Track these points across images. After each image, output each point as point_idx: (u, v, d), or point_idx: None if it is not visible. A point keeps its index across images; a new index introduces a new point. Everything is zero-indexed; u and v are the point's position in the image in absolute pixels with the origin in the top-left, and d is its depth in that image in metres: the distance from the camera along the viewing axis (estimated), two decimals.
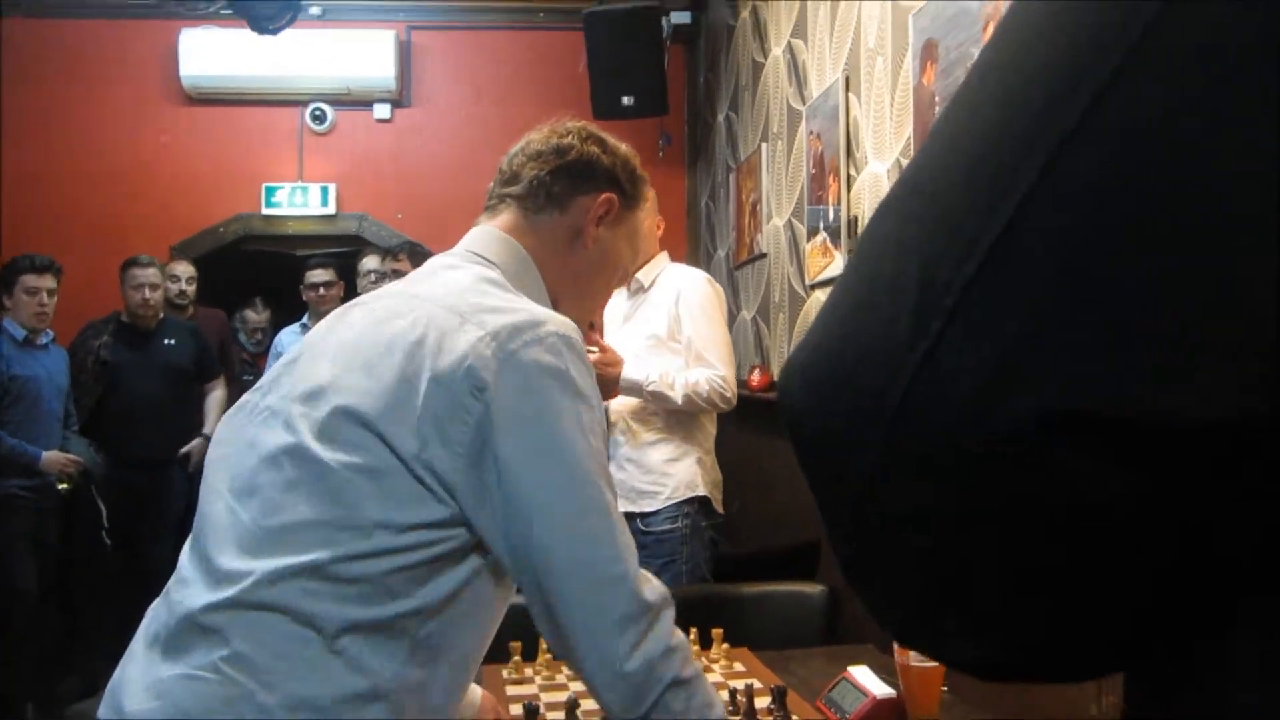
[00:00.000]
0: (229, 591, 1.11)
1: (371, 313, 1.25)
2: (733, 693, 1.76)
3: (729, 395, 2.83)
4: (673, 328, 2.86)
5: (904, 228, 0.38)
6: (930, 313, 0.35)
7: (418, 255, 4.05)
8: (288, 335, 4.76)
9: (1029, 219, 0.34)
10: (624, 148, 1.47)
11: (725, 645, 2.08)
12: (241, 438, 1.22)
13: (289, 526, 1.12)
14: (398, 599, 1.12)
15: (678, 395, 2.77)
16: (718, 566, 2.95)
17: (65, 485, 4.19)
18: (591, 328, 1.53)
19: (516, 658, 1.99)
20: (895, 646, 1.65)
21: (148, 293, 4.63)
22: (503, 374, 1.12)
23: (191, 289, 5.12)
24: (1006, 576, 0.36)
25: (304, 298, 4.87)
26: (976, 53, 2.33)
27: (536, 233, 1.38)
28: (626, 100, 4.94)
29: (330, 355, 1.21)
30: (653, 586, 1.16)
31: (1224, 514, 0.32)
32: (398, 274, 3.77)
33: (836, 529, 0.41)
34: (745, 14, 4.69)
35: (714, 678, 1.94)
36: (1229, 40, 0.31)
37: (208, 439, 4.63)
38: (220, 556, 1.14)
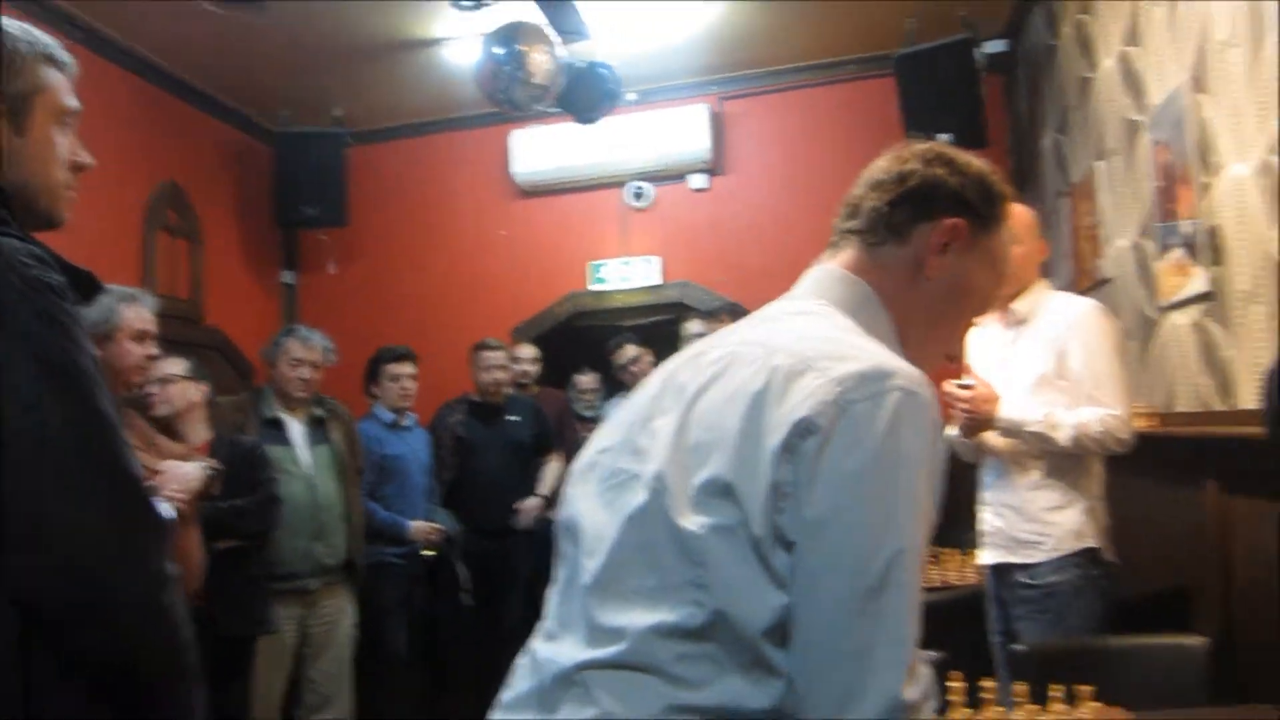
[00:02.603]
0: (607, 650, 1.09)
1: (706, 361, 1.20)
2: None
3: (1124, 437, 2.56)
4: (1060, 364, 2.62)
5: None
6: None
7: (737, 315, 4.08)
8: (614, 406, 4.94)
9: None
10: (977, 164, 1.33)
11: (1095, 704, 1.85)
12: (594, 496, 1.20)
13: (658, 588, 1.08)
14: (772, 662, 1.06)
15: (1064, 436, 2.54)
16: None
17: (431, 552, 4.52)
18: (950, 359, 1.39)
19: None
20: None
21: (497, 374, 5.00)
22: (839, 423, 1.04)
23: (535, 369, 5.46)
24: None
25: (619, 379, 5.08)
26: None
27: (879, 268, 1.27)
28: (944, 137, 4.76)
29: (666, 406, 1.18)
30: (917, 686, 1.03)
31: None
32: None
33: None
34: (1067, 30, 4.40)
35: None
36: None
37: (542, 499, 4.88)
38: (598, 613, 1.13)
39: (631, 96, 5.51)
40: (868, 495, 1.04)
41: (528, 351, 5.52)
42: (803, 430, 1.05)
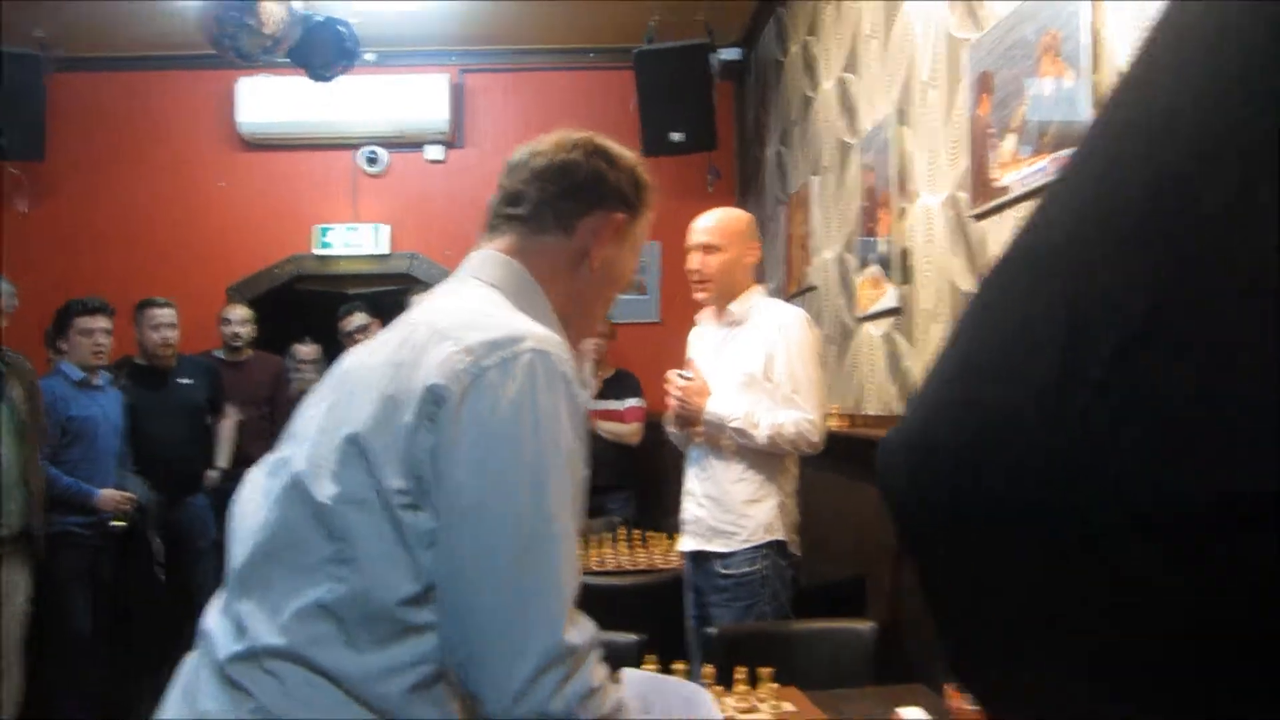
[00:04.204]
0: (245, 644, 1.11)
1: (367, 347, 1.25)
2: None
3: (815, 440, 2.73)
4: (767, 366, 2.76)
5: (1031, 298, 0.34)
6: (1071, 393, 0.31)
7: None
8: None
9: (1213, 256, 0.29)
10: (630, 156, 1.42)
11: (774, 684, 2.01)
12: (257, 488, 1.21)
13: (300, 570, 1.11)
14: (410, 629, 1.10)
15: (762, 435, 2.69)
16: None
17: (121, 523, 4.23)
18: (601, 335, 1.47)
19: None
20: (946, 688, 1.58)
21: (166, 333, 4.64)
22: (472, 389, 1.09)
23: (245, 331, 5.17)
24: (1157, 677, 0.32)
25: (346, 346, 4.92)
26: (1031, 85, 2.30)
27: (541, 254, 1.34)
28: (676, 136, 4.95)
29: (327, 393, 1.22)
30: (580, 629, 1.10)
31: None
32: None
33: (949, 618, 0.37)
34: (795, 49, 4.68)
35: (762, 717, 1.87)
36: None
37: (220, 471, 4.70)
38: (238, 604, 1.14)
39: (370, 57, 5.34)
40: (510, 455, 1.09)
41: (238, 313, 5.20)
42: (437, 397, 1.09)
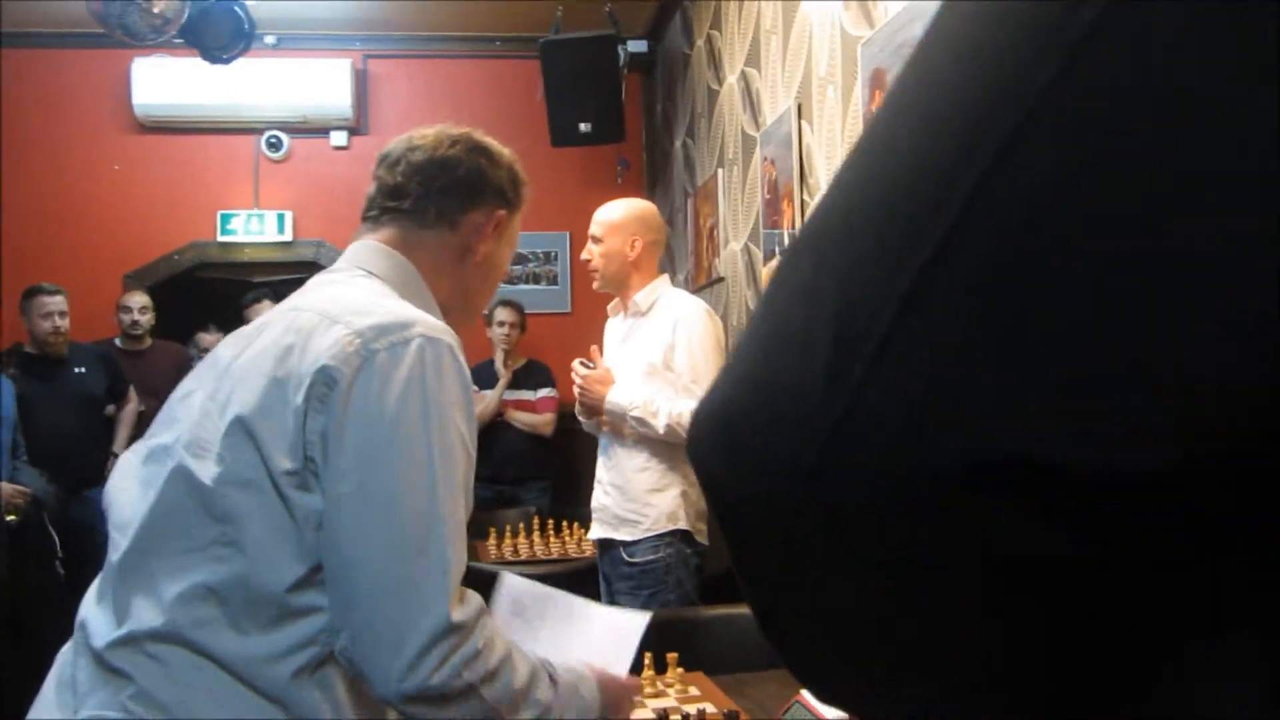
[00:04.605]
0: (125, 629, 1.11)
1: (244, 335, 1.26)
2: (685, 717, 1.76)
3: None
4: (667, 356, 2.80)
5: (815, 273, 0.36)
6: (846, 364, 0.33)
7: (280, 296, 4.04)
8: None
9: (954, 251, 0.32)
10: (508, 154, 1.46)
11: (680, 670, 2.07)
12: (132, 475, 1.21)
13: (184, 552, 1.12)
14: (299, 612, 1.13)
15: (660, 425, 2.72)
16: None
17: (13, 516, 4.11)
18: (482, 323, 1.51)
19: None
20: None
21: (58, 320, 4.52)
22: (362, 371, 1.12)
23: (145, 319, 5.05)
24: (926, 642, 0.34)
25: None
26: None
27: (424, 248, 1.37)
28: (584, 127, 4.97)
29: (205, 379, 1.23)
30: (465, 607, 1.13)
31: (1151, 579, 0.31)
32: None
33: (754, 591, 0.39)
34: (700, 42, 4.74)
35: (668, 702, 1.93)
36: (1173, 41, 0.29)
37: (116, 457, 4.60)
38: (118, 592, 1.15)
39: (270, 40, 5.25)
40: (398, 438, 1.11)
41: (136, 299, 5.08)
42: (327, 379, 1.11)
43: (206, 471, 1.12)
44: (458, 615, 1.10)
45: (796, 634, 0.39)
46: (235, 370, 1.18)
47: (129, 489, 1.20)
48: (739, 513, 0.38)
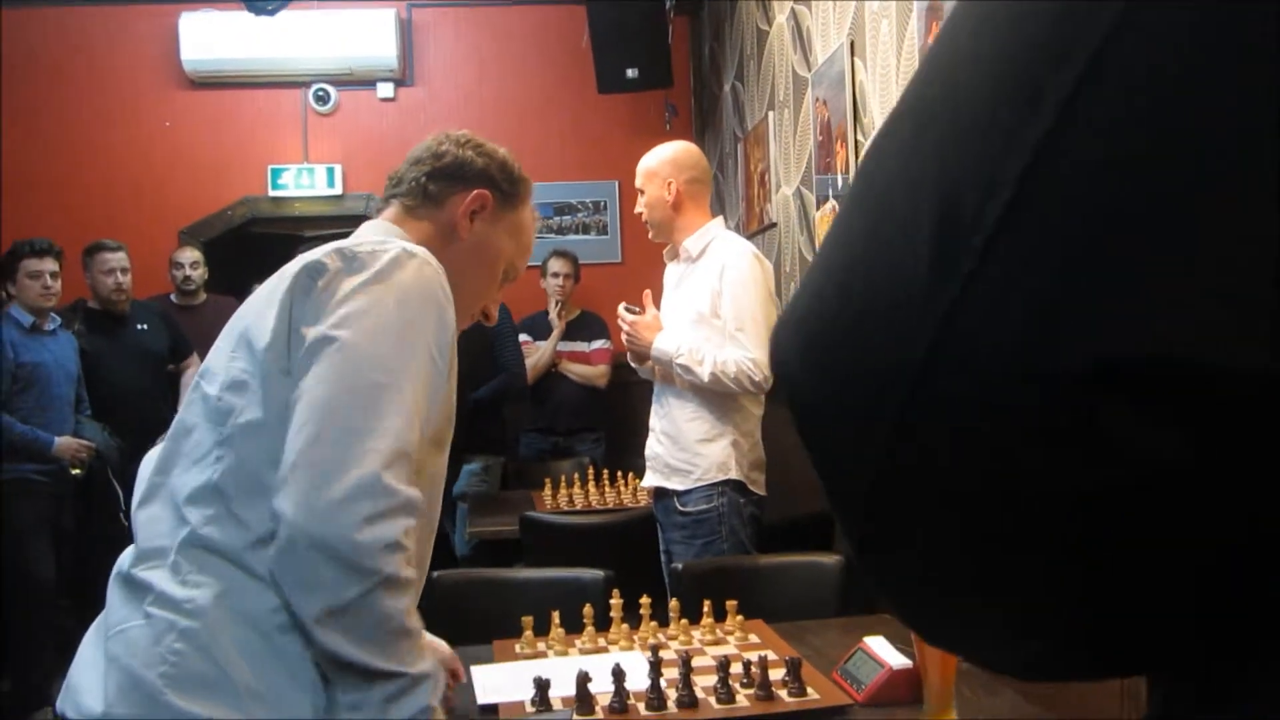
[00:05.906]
0: (147, 545, 1.24)
1: (266, 283, 1.37)
2: (746, 665, 1.74)
3: (758, 379, 2.67)
4: (715, 303, 2.74)
5: (913, 161, 0.33)
6: (954, 258, 0.30)
7: None
8: None
9: (1075, 128, 0.28)
10: (502, 151, 1.60)
11: (740, 617, 2.06)
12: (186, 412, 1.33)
13: (194, 463, 1.24)
14: None
15: (704, 373, 2.67)
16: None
17: (79, 470, 4.19)
18: (485, 318, 1.67)
19: (528, 632, 1.98)
20: None
21: (120, 277, 4.55)
22: (342, 262, 1.26)
23: (197, 274, 5.09)
24: (1051, 562, 0.31)
25: None
26: None
27: (418, 228, 1.51)
28: (631, 73, 4.90)
29: (229, 325, 1.36)
30: (409, 486, 1.17)
31: None
32: None
33: (849, 514, 0.36)
34: None
35: (729, 650, 1.92)
36: None
37: None
38: (140, 519, 1.28)
39: None
40: (371, 307, 1.23)
41: (188, 255, 5.11)
42: (312, 270, 1.26)
43: (213, 388, 1.27)
44: (391, 480, 1.15)
45: (897, 566, 0.36)
46: (245, 309, 1.34)
47: (171, 430, 1.34)
48: (829, 422, 0.35)
